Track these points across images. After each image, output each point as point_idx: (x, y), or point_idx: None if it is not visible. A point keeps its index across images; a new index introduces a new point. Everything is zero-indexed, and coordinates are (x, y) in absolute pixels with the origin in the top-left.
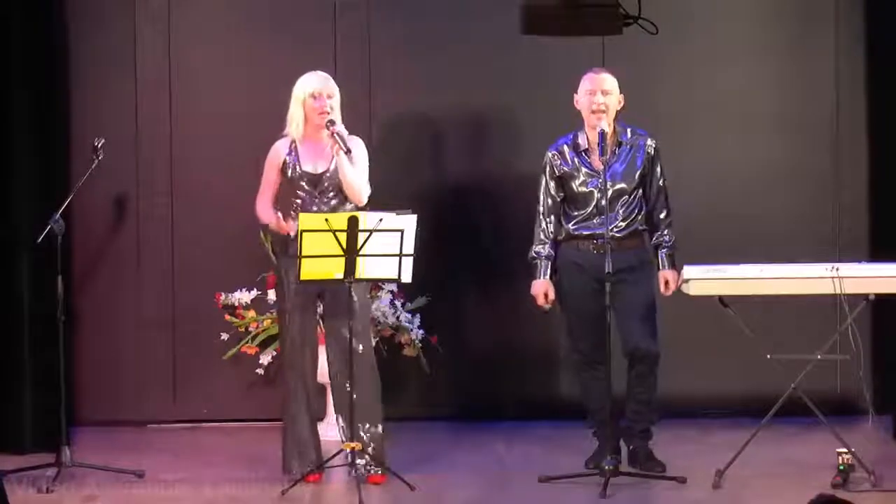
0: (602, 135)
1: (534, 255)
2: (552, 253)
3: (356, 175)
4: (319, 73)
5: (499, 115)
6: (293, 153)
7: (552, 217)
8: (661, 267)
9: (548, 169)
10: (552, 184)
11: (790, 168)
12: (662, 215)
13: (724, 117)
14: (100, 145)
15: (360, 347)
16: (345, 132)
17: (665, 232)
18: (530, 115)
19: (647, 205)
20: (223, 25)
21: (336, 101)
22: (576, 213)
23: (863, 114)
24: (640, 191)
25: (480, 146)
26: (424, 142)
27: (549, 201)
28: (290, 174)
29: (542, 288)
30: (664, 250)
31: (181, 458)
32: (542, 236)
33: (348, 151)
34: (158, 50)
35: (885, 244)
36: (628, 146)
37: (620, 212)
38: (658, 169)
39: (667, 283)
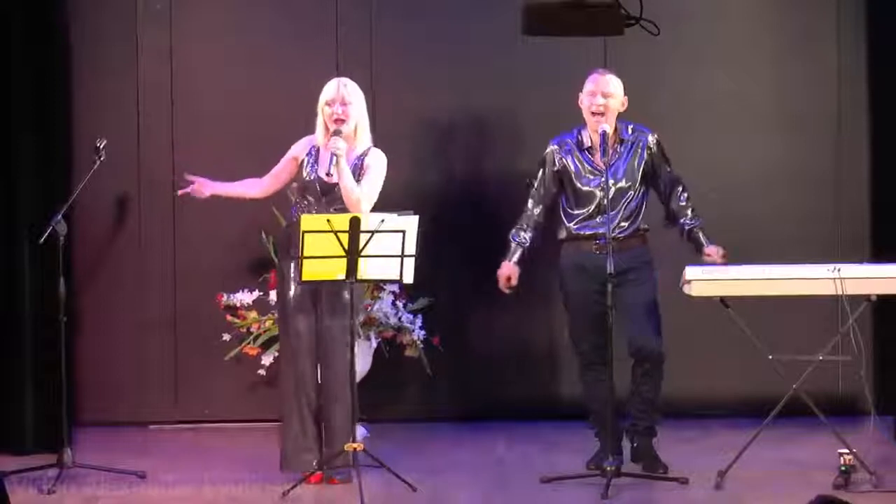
0: (604, 135)
1: (511, 238)
2: (527, 239)
3: (352, 187)
4: (338, 79)
5: (500, 115)
6: (312, 154)
7: (541, 206)
8: (705, 244)
9: (547, 161)
10: (549, 176)
11: (792, 168)
12: (681, 200)
13: (725, 118)
14: (102, 146)
15: (355, 348)
16: (341, 149)
17: (691, 214)
18: (532, 116)
19: (662, 197)
20: (224, 26)
21: (354, 107)
22: (577, 212)
23: (865, 114)
24: (643, 189)
25: (482, 147)
26: (426, 142)
27: (542, 191)
28: (304, 176)
29: (505, 271)
30: (700, 231)
31: (182, 459)
32: (524, 221)
33: (328, 174)
34: (160, 50)
35: (886, 245)
36: (630, 143)
37: (622, 212)
38: (664, 160)
39: (715, 255)
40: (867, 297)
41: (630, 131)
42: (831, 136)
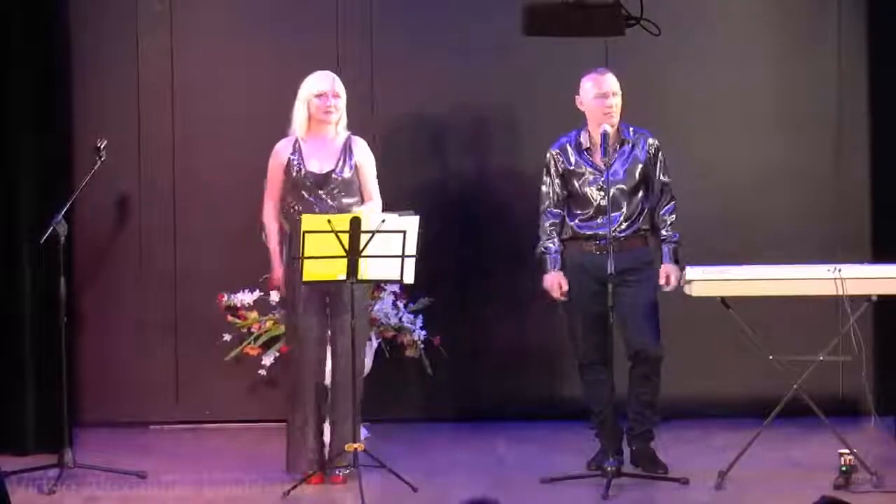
0: (605, 135)
1: (543, 250)
2: (560, 247)
3: (372, 208)
4: (326, 72)
5: (501, 115)
6: (297, 152)
7: (556, 213)
8: (662, 261)
9: (551, 167)
10: (556, 181)
11: (792, 168)
12: (664, 212)
13: (726, 118)
14: (102, 146)
15: (360, 348)
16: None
17: (669, 227)
18: (533, 116)
19: (651, 203)
20: (224, 27)
21: (342, 101)
22: (578, 212)
23: (865, 114)
24: (643, 190)
25: (483, 146)
26: (426, 142)
27: (555, 198)
28: (294, 174)
29: (555, 280)
30: (668, 245)
31: (183, 460)
32: (548, 231)
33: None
34: (160, 50)
35: (887, 245)
36: (630, 145)
37: (623, 212)
38: (659, 166)
39: (668, 277)
40: (868, 298)
41: (631, 133)
42: (831, 136)
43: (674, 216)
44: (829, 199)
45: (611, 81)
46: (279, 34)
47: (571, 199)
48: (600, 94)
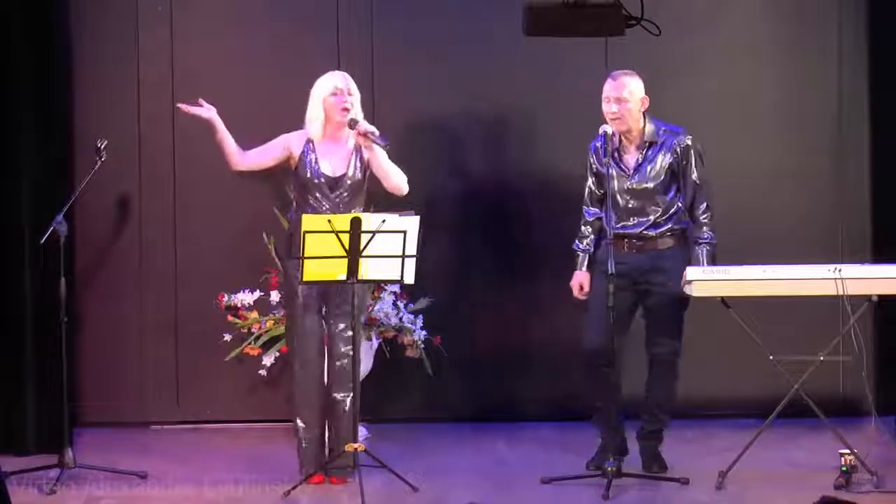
0: (604, 137)
1: (573, 248)
2: (590, 244)
3: (393, 167)
4: (339, 71)
5: (500, 115)
6: (311, 151)
7: (592, 212)
8: (697, 262)
9: (588, 166)
10: (592, 179)
11: (793, 169)
12: (698, 212)
13: (726, 118)
14: (103, 146)
15: (359, 348)
16: (372, 127)
17: (703, 228)
18: (532, 116)
19: (685, 204)
20: (225, 26)
21: (356, 99)
22: (612, 213)
23: (865, 114)
24: (673, 190)
25: (483, 148)
26: (427, 143)
27: (592, 196)
28: (307, 174)
29: (576, 279)
30: (702, 247)
31: (184, 460)
32: (581, 230)
33: (386, 145)
34: (160, 50)
35: (887, 245)
36: (658, 144)
37: (650, 211)
38: (691, 165)
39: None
40: (868, 298)
41: (661, 132)
42: (831, 137)
43: (707, 215)
44: (829, 199)
45: (619, 86)
46: (279, 34)
47: (608, 199)
48: (604, 99)
